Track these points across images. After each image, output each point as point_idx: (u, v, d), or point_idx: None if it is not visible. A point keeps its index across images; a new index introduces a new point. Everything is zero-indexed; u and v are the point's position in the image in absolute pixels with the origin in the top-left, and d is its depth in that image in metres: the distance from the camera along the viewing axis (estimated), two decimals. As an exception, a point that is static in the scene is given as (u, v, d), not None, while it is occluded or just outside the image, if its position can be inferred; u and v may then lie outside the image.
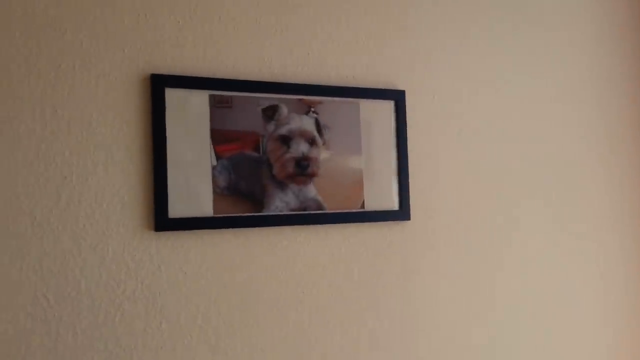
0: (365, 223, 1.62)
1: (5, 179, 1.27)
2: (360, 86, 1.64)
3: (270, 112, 1.53)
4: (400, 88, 1.70)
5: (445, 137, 1.74)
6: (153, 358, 1.36)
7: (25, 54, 1.31)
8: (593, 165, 1.97)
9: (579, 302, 1.91)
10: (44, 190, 1.30)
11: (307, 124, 1.56)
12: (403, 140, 1.67)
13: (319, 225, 1.56)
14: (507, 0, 1.86)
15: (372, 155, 1.63)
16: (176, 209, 1.41)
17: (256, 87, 1.51)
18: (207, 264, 1.44)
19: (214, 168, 1.45)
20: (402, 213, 1.66)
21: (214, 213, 1.44)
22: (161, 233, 1.39)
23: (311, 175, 1.55)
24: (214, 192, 1.45)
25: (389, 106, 1.67)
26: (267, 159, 1.51)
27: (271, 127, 1.52)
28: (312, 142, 1.56)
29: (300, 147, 1.54)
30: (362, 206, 1.61)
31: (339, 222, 1.58)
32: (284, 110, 1.54)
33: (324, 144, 1.58)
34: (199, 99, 1.45)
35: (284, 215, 1.52)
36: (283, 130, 1.53)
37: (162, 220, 1.39)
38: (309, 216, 1.54)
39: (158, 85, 1.41)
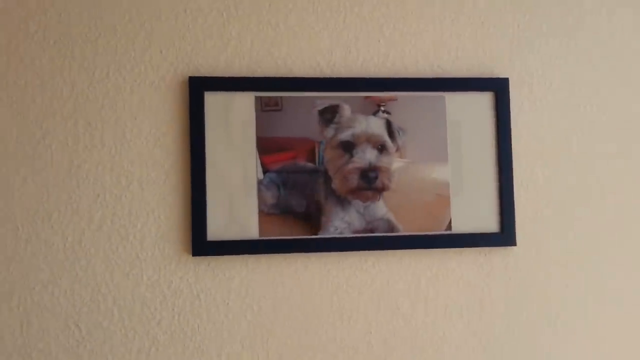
0: (454, 249, 1.26)
1: (37, 198, 1.16)
2: (446, 76, 1.29)
3: (329, 114, 1.24)
4: (502, 76, 1.30)
5: (561, 138, 1.31)
6: (191, 399, 1.19)
7: (59, 64, 1.20)
8: None
9: None
10: (76, 210, 1.18)
11: (375, 126, 1.25)
12: (506, 141, 1.27)
13: (390, 251, 1.24)
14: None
15: (463, 162, 1.27)
16: (216, 231, 1.20)
17: (311, 84, 1.24)
18: (253, 295, 1.21)
19: (260, 182, 1.22)
20: (505, 237, 1.26)
21: (260, 235, 1.21)
22: (199, 258, 1.20)
23: (380, 189, 1.24)
24: (260, 210, 1.21)
25: (485, 99, 1.29)
26: (324, 170, 1.23)
27: (330, 131, 1.24)
28: (381, 149, 1.24)
29: (367, 155, 1.24)
30: (449, 227, 1.25)
31: (417, 248, 1.24)
32: (347, 110, 1.25)
33: (397, 150, 1.25)
34: (244, 103, 1.23)
35: (345, 238, 1.23)
36: (345, 136, 1.24)
37: (200, 243, 1.19)
38: (378, 239, 1.23)
39: (196, 89, 1.21)
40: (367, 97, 1.25)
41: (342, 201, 1.23)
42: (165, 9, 1.23)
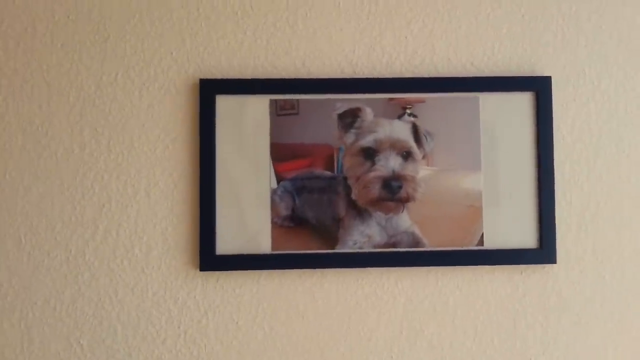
0: (486, 266, 1.11)
1: (41, 208, 1.08)
2: (481, 75, 1.14)
3: (350, 118, 1.11)
4: (544, 74, 1.14)
5: (609, 143, 1.13)
6: None
7: (67, 67, 1.11)
8: None
9: None
10: (80, 220, 1.09)
11: (400, 131, 1.11)
12: (547, 147, 1.11)
13: (415, 268, 1.10)
14: None
15: (498, 170, 1.11)
16: (226, 244, 1.09)
17: (331, 86, 1.11)
18: (264, 313, 1.09)
19: (273, 192, 1.10)
20: (545, 253, 1.10)
21: (272, 249, 1.09)
22: (208, 273, 1.09)
23: (404, 200, 1.10)
24: (273, 222, 1.09)
25: (525, 100, 1.12)
26: (343, 179, 1.10)
27: (350, 137, 1.11)
28: (406, 156, 1.10)
29: (390, 163, 1.10)
30: (481, 242, 1.10)
31: (445, 265, 1.09)
32: (369, 114, 1.11)
33: (424, 157, 1.11)
34: (257, 106, 1.11)
35: (365, 253, 1.09)
36: (367, 141, 1.11)
37: (208, 257, 1.08)
38: (401, 255, 1.09)
39: (207, 93, 1.10)
40: (391, 99, 1.11)
41: (362, 213, 1.10)
42: (177, 8, 1.13)
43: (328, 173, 1.10)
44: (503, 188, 1.11)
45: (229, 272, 1.09)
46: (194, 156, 1.10)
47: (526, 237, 1.10)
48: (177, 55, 1.12)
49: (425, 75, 1.13)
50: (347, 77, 1.12)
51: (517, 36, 1.14)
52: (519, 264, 1.10)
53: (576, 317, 1.11)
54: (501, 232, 1.10)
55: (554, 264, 1.10)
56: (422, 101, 1.12)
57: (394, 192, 1.10)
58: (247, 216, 1.09)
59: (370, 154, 1.10)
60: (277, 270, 1.09)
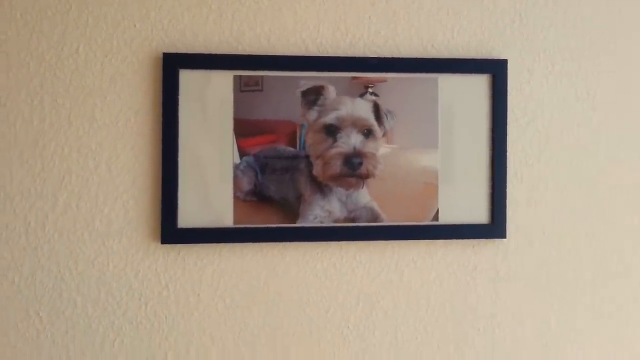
0: (440, 240, 1.13)
1: (-1, 179, 1.06)
2: (440, 57, 1.14)
3: (313, 96, 1.10)
4: (500, 57, 1.15)
5: (561, 126, 1.15)
6: (159, 394, 1.07)
7: (27, 37, 1.06)
8: None
9: None
10: (40, 193, 1.05)
11: (361, 109, 1.11)
12: (501, 128, 1.13)
13: (373, 242, 1.11)
14: None
15: (454, 150, 1.13)
16: (188, 218, 1.07)
17: (295, 63, 1.10)
18: (225, 285, 1.08)
19: (236, 167, 1.08)
20: (495, 229, 1.12)
21: (234, 223, 1.08)
22: (169, 246, 1.07)
23: (364, 176, 1.10)
24: (236, 197, 1.08)
25: (482, 82, 1.14)
26: (306, 155, 1.10)
27: (313, 114, 1.10)
28: (367, 133, 1.11)
29: (352, 140, 1.10)
30: (436, 218, 1.12)
31: (402, 239, 1.11)
32: (332, 92, 1.11)
33: (384, 135, 1.11)
34: (221, 82, 1.09)
35: (325, 227, 1.10)
36: (329, 119, 1.10)
37: (170, 230, 1.06)
38: (360, 229, 1.10)
39: (170, 66, 1.07)
40: (354, 78, 1.11)
41: (323, 188, 1.10)
42: (140, -20, 1.10)
43: (291, 149, 1.10)
44: (458, 166, 1.12)
45: (191, 245, 1.07)
46: (156, 130, 1.08)
47: (478, 213, 1.13)
48: (140, 28, 1.09)
49: (387, 56, 1.13)
50: (311, 55, 1.11)
51: (476, 20, 1.15)
52: (471, 238, 1.12)
53: (523, 289, 1.14)
54: (455, 208, 1.12)
55: (504, 239, 1.13)
56: (383, 80, 1.12)
57: (355, 169, 1.10)
58: (210, 190, 1.08)
59: (332, 131, 1.10)
60: (238, 244, 1.08)
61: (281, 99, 1.10)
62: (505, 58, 1.14)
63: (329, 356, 1.09)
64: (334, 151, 1.10)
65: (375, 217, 1.10)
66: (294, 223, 1.09)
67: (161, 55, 1.08)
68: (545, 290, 1.14)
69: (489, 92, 1.13)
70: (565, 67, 1.16)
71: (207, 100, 1.08)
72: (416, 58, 1.12)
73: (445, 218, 1.12)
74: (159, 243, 1.07)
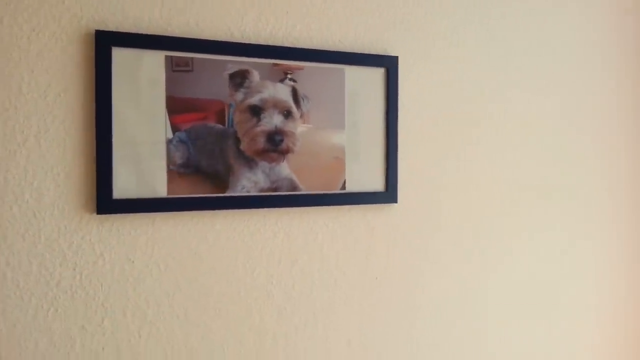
0: (346, 206, 1.31)
1: None
2: (347, 50, 1.31)
3: (239, 78, 1.20)
4: (393, 54, 1.36)
5: (442, 111, 1.40)
6: None
7: (-62, 2, 1.00)
8: (591, 161, 1.63)
9: (572, 294, 1.61)
10: (-40, 165, 1.01)
11: (282, 92, 1.24)
12: (393, 113, 1.34)
13: (292, 208, 1.25)
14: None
15: (357, 130, 1.31)
16: (122, 189, 1.10)
17: (223, 48, 1.18)
18: (159, 253, 1.14)
19: (169, 142, 1.14)
20: (389, 195, 1.34)
21: (167, 194, 1.13)
22: (104, 216, 1.10)
23: (285, 152, 1.24)
24: (169, 169, 1.14)
25: (378, 74, 1.33)
26: (233, 132, 1.19)
27: (240, 95, 1.20)
28: (287, 114, 1.24)
29: (274, 120, 1.22)
30: (343, 187, 1.30)
31: (315, 205, 1.26)
32: (256, 76, 1.22)
33: (301, 116, 1.25)
34: (153, 61, 1.13)
35: (251, 196, 1.21)
36: (254, 100, 1.21)
37: (105, 201, 1.08)
38: (281, 198, 1.24)
39: (103, 44, 1.08)
40: (275, 65, 1.23)
41: (250, 162, 1.20)
42: (64, -46, 1.08)
43: (220, 126, 1.18)
44: (361, 144, 1.31)
45: (126, 215, 1.11)
46: (87, 105, 1.08)
47: (376, 183, 1.33)
48: (69, 4, 1.07)
49: (303, 47, 1.26)
50: (238, 41, 1.20)
51: (375, 20, 1.33)
52: (370, 203, 1.32)
53: (415, 245, 1.37)
54: (358, 179, 1.31)
55: (396, 204, 1.35)
56: (301, 68, 1.25)
57: (277, 145, 1.22)
58: (144, 163, 1.11)
59: (256, 111, 1.20)
60: (172, 213, 1.14)
61: (210, 80, 1.17)
62: (396, 55, 1.35)
63: (256, 311, 1.21)
64: (258, 129, 1.21)
65: (294, 187, 1.24)
66: (224, 193, 1.18)
67: (92, 32, 1.08)
68: (429, 244, 1.39)
69: (384, 83, 1.33)
70: (450, 62, 1.41)
71: (140, 78, 1.11)
72: (327, 50, 1.28)
73: (350, 187, 1.29)
74: (93, 214, 1.08)
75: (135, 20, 1.12)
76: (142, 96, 1.12)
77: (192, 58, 1.15)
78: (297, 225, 1.26)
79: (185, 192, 1.15)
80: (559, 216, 1.56)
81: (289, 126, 1.23)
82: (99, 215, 1.09)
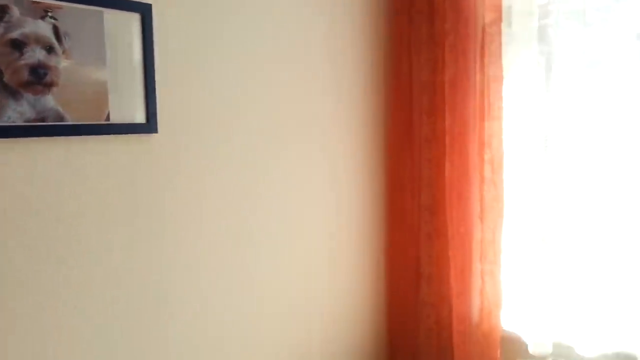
0: (111, 136, 1.48)
1: None
2: (104, -6, 1.44)
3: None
4: (147, 2, 1.54)
5: (195, 56, 1.66)
6: None
7: None
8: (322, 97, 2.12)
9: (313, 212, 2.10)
10: None
11: (43, 29, 1.32)
12: (150, 54, 1.53)
13: (58, 137, 1.37)
14: None
15: (118, 67, 1.47)
16: None
17: (-23, -20, 1.20)
18: None
19: None
20: (150, 126, 1.55)
21: None
22: None
23: (49, 85, 1.33)
24: None
25: (135, 18, 1.51)
26: (-5, 64, 1.24)
27: (0, 29, 1.24)
28: (50, 50, 1.33)
29: (36, 54, 1.30)
30: (108, 119, 1.47)
31: (81, 134, 1.41)
32: (16, 11, 1.27)
33: (64, 52, 1.36)
34: None
35: (17, 126, 1.29)
36: (15, 34, 1.26)
37: None
38: (47, 127, 1.34)
39: None
40: (34, 2, 1.29)
41: (14, 93, 1.27)
42: None
43: (-20, 58, 1.21)
44: (122, 80, 1.48)
45: None
46: None
47: (138, 115, 1.53)
48: None
49: (61, -13, 1.35)
50: (-7, -25, 1.22)
51: (129, -30, 1.48)
52: (133, 133, 1.52)
53: (174, 172, 1.62)
54: (122, 111, 1.49)
55: (156, 134, 1.57)
56: (59, 7, 1.34)
57: (41, 78, 1.31)
58: None
59: (19, 45, 1.27)
60: None
61: (-35, 12, 1.18)
62: (150, 3, 1.53)
63: (17, 238, 1.32)
64: (21, 62, 1.28)
65: (60, 118, 1.36)
66: (-11, 122, 1.24)
67: None
68: (185, 170, 1.66)
69: (140, 27, 1.51)
70: (205, 11, 1.64)
71: None
72: (84, -7, 1.39)
73: (115, 118, 1.47)
74: None
75: None
76: None
77: (-57, -13, 1.15)
78: (65, 153, 1.39)
79: (-54, 120, 1.17)
80: (308, 143, 2.00)
81: (52, 61, 1.33)
82: None
